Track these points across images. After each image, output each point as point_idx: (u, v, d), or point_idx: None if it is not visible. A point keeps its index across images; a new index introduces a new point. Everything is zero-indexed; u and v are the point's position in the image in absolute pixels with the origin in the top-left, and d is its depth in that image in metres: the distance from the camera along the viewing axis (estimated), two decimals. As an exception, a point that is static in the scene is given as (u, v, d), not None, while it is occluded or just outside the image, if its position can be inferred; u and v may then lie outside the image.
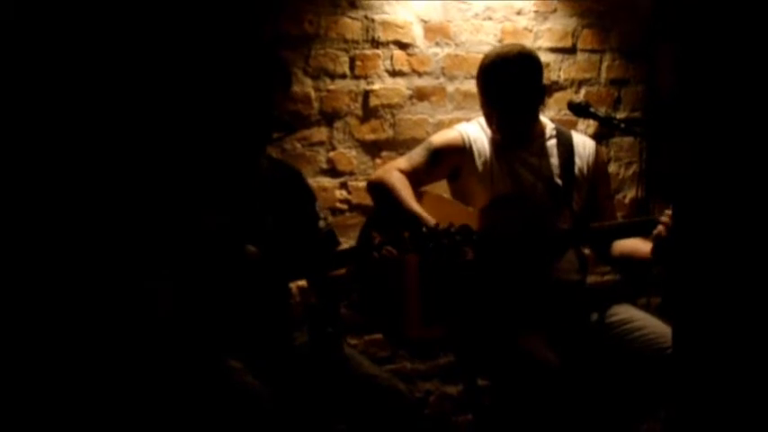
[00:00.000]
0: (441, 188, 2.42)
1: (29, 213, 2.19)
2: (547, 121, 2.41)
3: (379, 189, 2.28)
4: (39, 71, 2.21)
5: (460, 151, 2.31)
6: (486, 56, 2.29)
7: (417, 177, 2.30)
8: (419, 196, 2.29)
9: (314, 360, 2.00)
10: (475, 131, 2.34)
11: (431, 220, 2.09)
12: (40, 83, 2.22)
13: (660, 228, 2.12)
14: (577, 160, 2.35)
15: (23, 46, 2.19)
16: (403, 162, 2.33)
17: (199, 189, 2.05)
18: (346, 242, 2.52)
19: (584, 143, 2.40)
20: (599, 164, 2.41)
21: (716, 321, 1.28)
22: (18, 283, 2.15)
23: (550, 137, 2.36)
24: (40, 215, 2.20)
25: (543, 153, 2.34)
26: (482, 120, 2.36)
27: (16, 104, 2.19)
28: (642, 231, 2.20)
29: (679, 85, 1.34)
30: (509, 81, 2.21)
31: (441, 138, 2.36)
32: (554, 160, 2.33)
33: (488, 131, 2.33)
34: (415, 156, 2.33)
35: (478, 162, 2.30)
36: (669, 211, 2.11)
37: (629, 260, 2.33)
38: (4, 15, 2.15)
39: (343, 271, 2.15)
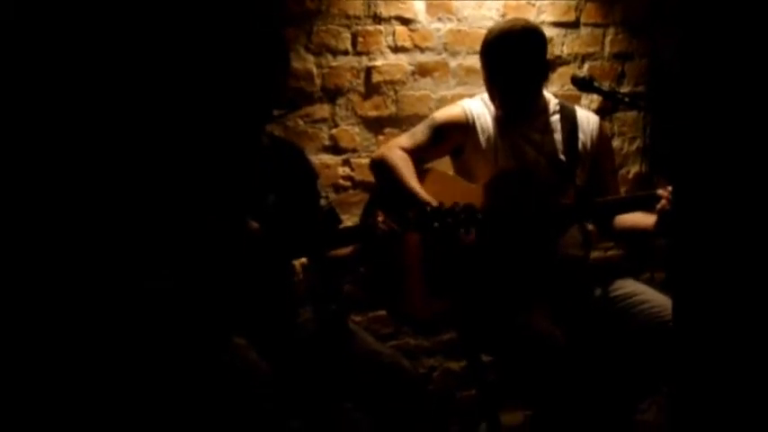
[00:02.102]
0: (444, 165, 2.40)
1: (33, 205, 2.17)
2: (550, 96, 2.38)
3: (382, 167, 2.27)
4: (40, 70, 2.19)
5: (464, 128, 2.30)
6: (490, 31, 2.26)
7: (420, 154, 2.29)
8: (423, 173, 2.28)
9: (318, 337, 1.99)
10: (478, 107, 2.32)
11: (432, 201, 2.08)
12: (41, 80, 2.19)
13: (663, 201, 2.10)
14: (581, 135, 2.33)
15: (24, 46, 2.17)
16: (405, 139, 2.32)
17: (200, 167, 2.04)
18: (349, 219, 2.52)
19: (587, 118, 2.38)
20: (603, 139, 2.39)
21: (716, 301, 1.26)
22: (24, 270, 2.14)
23: (554, 112, 2.34)
24: (46, 206, 2.18)
25: (547, 129, 2.32)
26: (485, 96, 2.34)
27: (17, 104, 2.16)
28: (645, 205, 2.19)
29: (680, 64, 1.30)
30: (513, 57, 2.19)
31: (444, 114, 2.34)
32: (557, 136, 2.31)
33: (491, 107, 2.31)
34: (418, 133, 2.31)
35: (482, 138, 2.28)
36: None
37: (632, 234, 2.32)
38: (4, 15, 2.12)
39: (346, 250, 2.14)
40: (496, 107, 2.28)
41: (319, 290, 2.15)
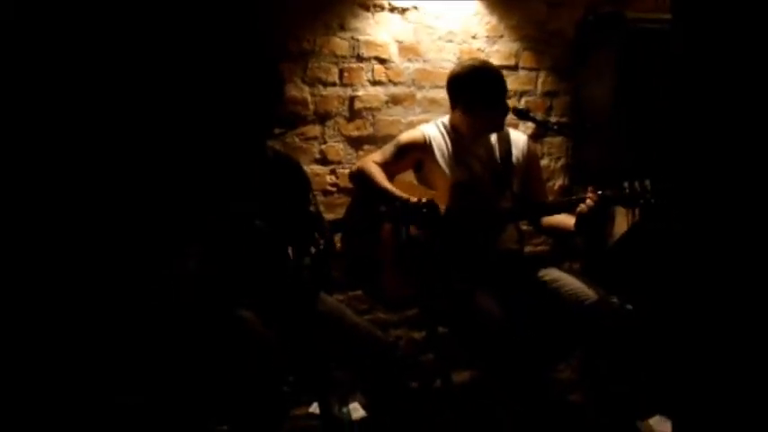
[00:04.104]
0: (408, 177, 2.39)
1: (46, 204, 2.04)
2: None
3: (360, 176, 2.26)
4: (45, 70, 1.99)
5: (422, 147, 2.29)
6: (480, 69, 2.24)
7: (388, 168, 2.27)
8: (393, 183, 2.27)
9: (294, 308, 1.94)
10: (434, 131, 2.32)
11: (403, 196, 2.07)
12: (43, 80, 1.99)
13: (582, 206, 2.12)
14: (514, 150, 2.34)
15: (24, 46, 1.96)
16: (377, 155, 2.31)
17: (216, 175, 2.00)
18: (335, 217, 2.50)
19: (518, 137, 2.39)
20: (530, 153, 2.40)
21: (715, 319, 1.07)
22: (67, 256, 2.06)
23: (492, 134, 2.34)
24: (59, 204, 2.06)
25: (488, 146, 2.32)
26: (439, 121, 2.35)
27: (20, 103, 1.97)
28: (567, 208, 2.20)
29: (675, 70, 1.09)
30: (500, 86, 2.23)
31: (406, 136, 2.33)
32: (496, 152, 2.32)
33: (443, 130, 2.30)
34: (386, 151, 2.31)
35: (438, 155, 2.28)
36: (590, 193, 2.11)
37: (557, 231, 2.32)
38: (4, 15, 1.91)
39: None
40: (466, 128, 2.27)
41: (298, 272, 2.08)
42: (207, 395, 1.96)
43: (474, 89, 2.22)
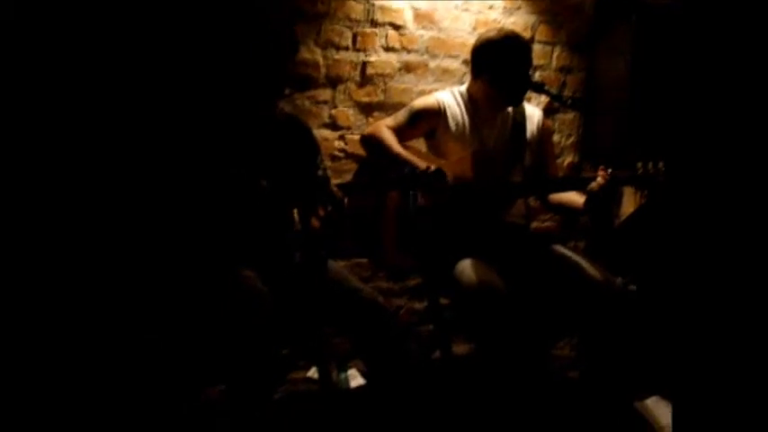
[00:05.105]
0: (419, 145, 2.34)
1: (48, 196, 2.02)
2: None
3: (372, 140, 2.21)
4: (43, 63, 1.96)
5: (436, 114, 2.24)
6: (514, 38, 2.16)
7: (400, 133, 2.22)
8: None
9: (304, 274, 1.93)
10: (449, 98, 2.26)
11: (416, 161, 2.02)
12: (43, 77, 1.96)
13: (593, 184, 2.07)
14: (528, 125, 2.29)
15: (24, 44, 1.94)
16: (389, 120, 2.26)
17: (226, 134, 1.95)
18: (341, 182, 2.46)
19: (533, 111, 2.34)
20: (545, 129, 2.35)
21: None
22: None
23: None
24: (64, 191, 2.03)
25: (503, 119, 2.27)
26: (455, 89, 2.29)
27: (21, 102, 1.94)
28: (578, 186, 2.15)
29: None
30: (527, 57, 2.16)
31: (420, 102, 2.28)
32: (510, 124, 2.26)
33: (459, 99, 2.25)
34: (400, 116, 2.25)
35: (452, 123, 2.23)
36: (601, 171, 2.06)
37: (564, 208, 2.28)
38: (4, 15, 1.89)
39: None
40: (485, 99, 2.21)
41: (305, 238, 2.06)
42: (204, 353, 1.93)
43: (506, 58, 2.14)
